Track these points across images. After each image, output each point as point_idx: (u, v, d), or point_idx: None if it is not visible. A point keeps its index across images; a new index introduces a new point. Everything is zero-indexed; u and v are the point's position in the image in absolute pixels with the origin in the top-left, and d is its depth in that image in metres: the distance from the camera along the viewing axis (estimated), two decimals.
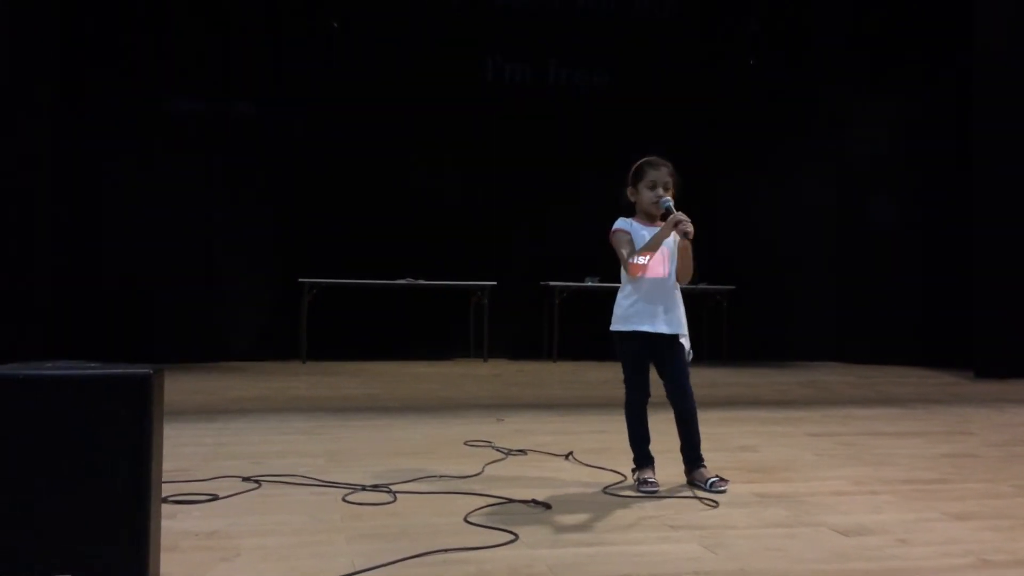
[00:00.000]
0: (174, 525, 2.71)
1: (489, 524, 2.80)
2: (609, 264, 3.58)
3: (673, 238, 3.40)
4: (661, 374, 3.48)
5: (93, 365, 2.04)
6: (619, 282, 3.54)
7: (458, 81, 9.93)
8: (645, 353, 3.45)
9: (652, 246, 3.37)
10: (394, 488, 3.28)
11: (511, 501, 3.14)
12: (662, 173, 3.44)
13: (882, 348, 9.80)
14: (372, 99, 9.59)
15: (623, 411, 3.52)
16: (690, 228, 3.28)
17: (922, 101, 9.86)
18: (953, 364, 9.03)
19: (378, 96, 9.61)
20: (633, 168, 3.51)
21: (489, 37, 10.14)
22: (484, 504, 3.08)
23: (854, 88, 10.28)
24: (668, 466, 3.51)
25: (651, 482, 3.36)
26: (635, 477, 3.44)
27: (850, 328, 10.18)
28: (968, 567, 2.46)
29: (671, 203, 3.37)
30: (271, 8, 9.47)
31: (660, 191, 3.41)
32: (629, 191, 3.51)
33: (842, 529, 2.83)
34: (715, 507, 3.09)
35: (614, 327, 3.48)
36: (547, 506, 3.08)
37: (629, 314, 3.43)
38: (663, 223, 3.41)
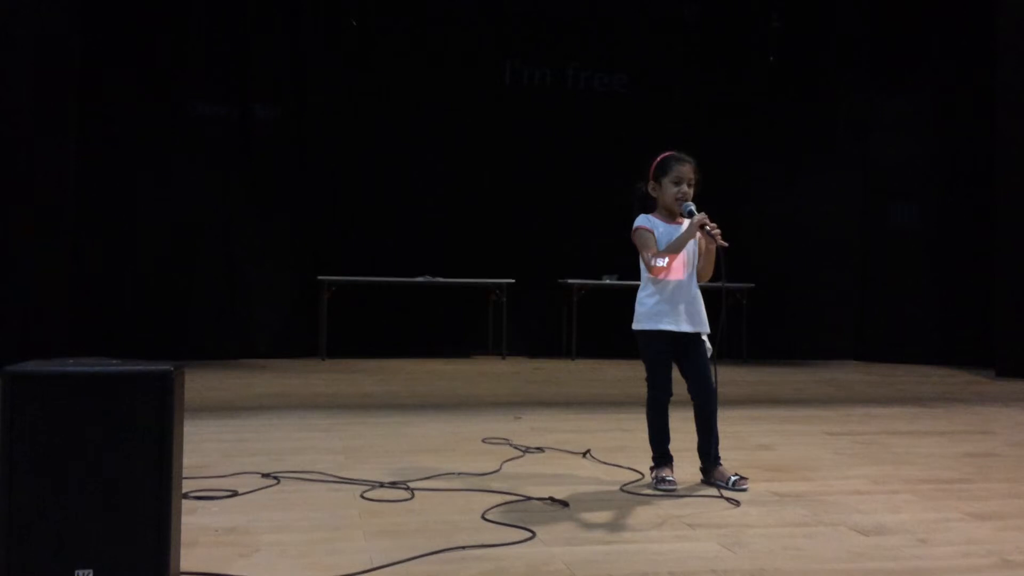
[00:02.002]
0: (194, 521, 2.74)
1: (507, 522, 2.81)
2: (627, 262, 3.57)
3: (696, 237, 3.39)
4: (684, 372, 3.46)
5: (115, 362, 2.06)
6: (637, 279, 3.52)
7: (476, 83, 9.93)
8: (669, 352, 3.43)
9: (676, 248, 3.34)
10: (412, 485, 3.29)
11: (529, 499, 3.14)
12: (687, 169, 3.41)
13: (902, 347, 9.73)
14: (391, 100, 9.63)
15: (641, 409, 3.51)
16: (719, 233, 3.26)
17: (945, 100, 9.77)
18: (974, 363, 8.96)
19: (397, 97, 9.65)
20: (657, 161, 3.47)
21: (507, 39, 10.12)
22: (502, 501, 3.08)
23: (877, 86, 10.20)
24: (686, 465, 3.50)
25: (669, 480, 3.36)
26: (653, 475, 3.43)
27: (870, 326, 10.11)
28: (990, 567, 2.44)
29: (693, 207, 3.34)
30: (290, 12, 9.50)
31: (685, 187, 3.38)
32: (651, 185, 3.47)
33: (861, 529, 2.82)
34: (737, 506, 3.08)
35: (637, 326, 3.45)
36: (565, 504, 3.08)
37: (653, 313, 3.41)
38: (682, 221, 3.40)
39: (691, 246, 3.39)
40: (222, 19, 9.15)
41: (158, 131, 8.82)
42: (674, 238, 3.36)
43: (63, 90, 7.74)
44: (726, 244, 3.28)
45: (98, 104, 8.43)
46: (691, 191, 3.40)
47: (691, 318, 3.39)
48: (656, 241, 3.39)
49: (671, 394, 3.46)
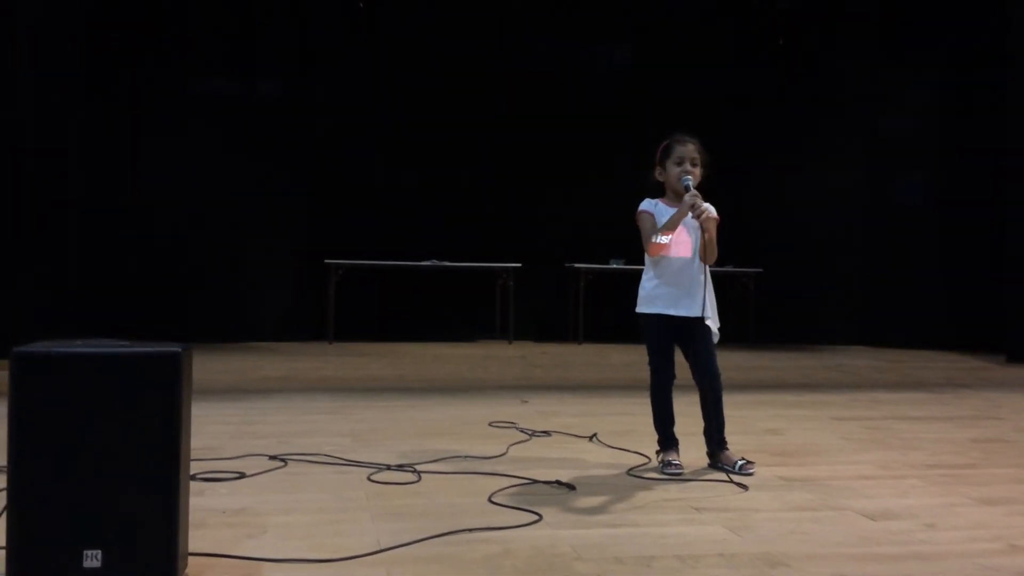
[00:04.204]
0: (202, 502, 2.75)
1: (513, 504, 2.81)
2: (634, 246, 3.56)
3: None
4: (687, 356, 3.46)
5: (123, 343, 2.06)
6: (644, 264, 3.52)
7: (484, 61, 9.88)
8: (670, 335, 3.43)
9: (670, 226, 3.35)
10: (419, 468, 3.30)
11: (535, 482, 3.14)
12: (689, 149, 3.41)
13: (910, 332, 9.69)
14: (397, 79, 9.60)
15: (648, 393, 3.51)
16: (704, 208, 3.25)
17: (954, 80, 9.69)
18: (984, 348, 8.91)
19: (403, 76, 9.61)
20: (661, 147, 3.49)
21: (513, 16, 10.05)
22: (508, 484, 3.09)
23: (884, 68, 10.12)
24: (692, 448, 3.50)
25: (675, 464, 3.36)
26: (659, 459, 3.44)
27: (878, 311, 10.07)
28: (997, 552, 2.44)
29: (690, 181, 3.35)
30: None
31: (687, 166, 3.39)
32: (657, 171, 3.48)
33: (868, 513, 2.82)
34: (744, 490, 3.08)
35: (639, 309, 3.47)
36: (571, 487, 3.08)
37: (653, 296, 3.42)
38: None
39: (695, 224, 3.37)
40: None
41: (164, 110, 8.83)
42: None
43: (68, 68, 7.73)
44: (704, 210, 3.26)
45: (103, 82, 8.43)
46: (696, 170, 3.40)
47: (691, 302, 3.38)
48: (656, 224, 3.40)
49: (673, 377, 3.46)
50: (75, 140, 7.94)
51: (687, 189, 3.32)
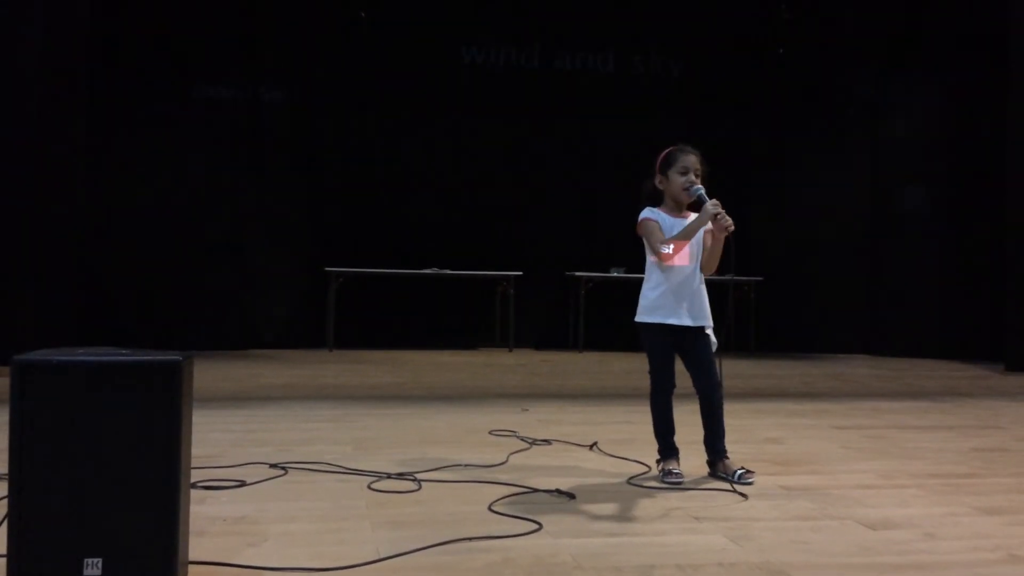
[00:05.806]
0: (203, 510, 2.75)
1: (513, 513, 2.81)
2: (635, 255, 3.57)
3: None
4: (687, 365, 3.46)
5: (124, 352, 2.06)
6: (644, 273, 3.52)
7: (485, 70, 9.90)
8: (670, 344, 3.43)
9: (686, 235, 3.34)
10: (419, 476, 3.29)
11: (535, 491, 3.14)
12: (693, 159, 3.42)
13: (911, 341, 9.69)
14: (400, 89, 9.62)
15: (648, 402, 3.51)
16: (730, 223, 3.27)
17: (955, 89, 9.71)
18: (983, 357, 8.92)
19: (404, 85, 9.64)
20: (662, 155, 3.48)
21: (515, 24, 10.06)
22: (508, 493, 3.09)
23: (886, 77, 10.14)
24: (692, 457, 3.50)
25: (676, 473, 3.35)
26: (660, 468, 3.43)
27: (878, 320, 10.07)
28: (997, 562, 2.44)
29: (703, 191, 3.35)
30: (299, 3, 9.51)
31: (692, 176, 3.39)
32: (658, 179, 3.48)
33: (868, 522, 2.81)
34: (744, 499, 3.08)
35: (639, 318, 3.46)
36: (571, 496, 3.08)
37: (654, 306, 3.42)
38: (691, 211, 3.41)
39: (697, 236, 3.38)
40: (232, 2, 9.16)
41: (166, 118, 8.85)
42: (683, 227, 3.37)
43: (72, 74, 7.74)
44: (729, 223, 3.28)
45: (107, 89, 8.45)
46: (697, 181, 3.40)
47: (692, 312, 3.39)
48: (662, 232, 3.40)
49: (674, 386, 3.46)
50: (77, 146, 7.94)
51: (702, 200, 3.32)
